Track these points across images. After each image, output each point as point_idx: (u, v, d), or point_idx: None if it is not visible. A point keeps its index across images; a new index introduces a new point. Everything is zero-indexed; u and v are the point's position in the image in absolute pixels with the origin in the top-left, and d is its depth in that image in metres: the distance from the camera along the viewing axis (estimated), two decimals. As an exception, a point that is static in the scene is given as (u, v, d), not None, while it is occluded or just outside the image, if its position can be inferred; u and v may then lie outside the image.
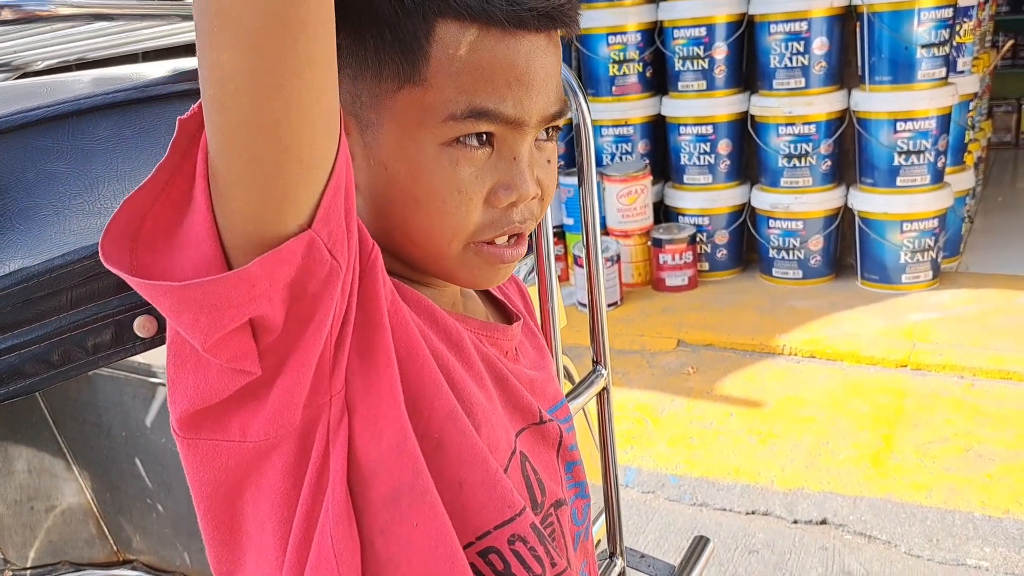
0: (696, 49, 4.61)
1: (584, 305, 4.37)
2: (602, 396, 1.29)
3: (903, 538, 2.64)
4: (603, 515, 1.34)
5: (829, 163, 4.54)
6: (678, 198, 4.90)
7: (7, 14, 0.79)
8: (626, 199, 4.69)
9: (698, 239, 4.77)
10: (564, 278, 4.92)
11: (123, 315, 0.76)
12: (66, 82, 1.02)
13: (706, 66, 4.63)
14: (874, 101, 4.31)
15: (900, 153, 4.28)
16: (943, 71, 4.23)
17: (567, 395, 1.15)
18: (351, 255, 0.58)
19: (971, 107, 4.86)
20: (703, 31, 4.59)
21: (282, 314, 0.56)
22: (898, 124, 4.25)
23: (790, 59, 4.42)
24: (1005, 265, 4.66)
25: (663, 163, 5.05)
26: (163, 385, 1.80)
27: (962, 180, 4.73)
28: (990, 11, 5.60)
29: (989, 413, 3.29)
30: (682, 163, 4.84)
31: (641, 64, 4.83)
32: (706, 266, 4.85)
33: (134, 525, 1.98)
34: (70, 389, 1.92)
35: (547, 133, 0.71)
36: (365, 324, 0.61)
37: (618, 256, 4.57)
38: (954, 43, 4.40)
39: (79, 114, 0.79)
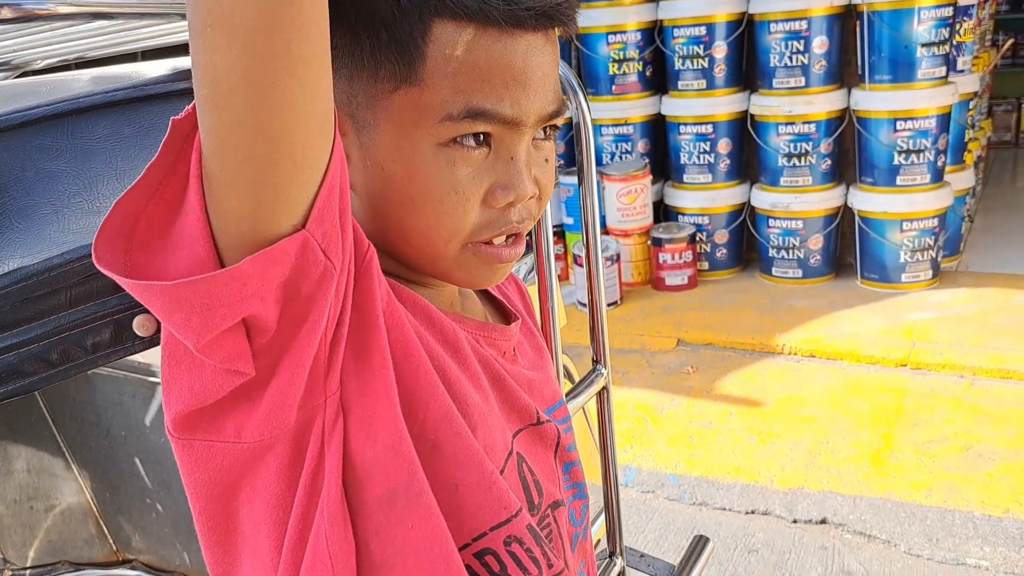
0: (696, 48, 4.61)
1: (584, 304, 4.36)
2: (602, 395, 1.30)
3: (903, 537, 2.64)
4: (603, 514, 1.34)
5: (829, 162, 4.53)
6: (678, 197, 4.90)
7: (7, 13, 0.79)
8: (626, 198, 4.68)
9: (698, 238, 4.77)
10: (564, 277, 4.91)
11: (122, 314, 0.75)
12: (65, 81, 1.02)
13: (706, 65, 4.63)
14: (874, 100, 4.30)
15: (900, 152, 4.28)
16: (943, 70, 4.23)
17: (567, 394, 1.15)
18: (346, 256, 0.58)
19: (971, 106, 4.86)
20: (703, 30, 4.58)
21: (276, 315, 0.56)
22: (898, 123, 4.25)
23: (790, 58, 4.41)
24: (1005, 264, 4.66)
25: (663, 162, 5.05)
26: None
27: (962, 179, 4.72)
28: (990, 10, 5.59)
29: (989, 412, 3.29)
30: (682, 162, 4.84)
31: (641, 63, 4.83)
32: (706, 265, 4.85)
33: (133, 525, 1.98)
34: (69, 388, 1.92)
35: (545, 132, 0.70)
36: (360, 325, 0.61)
37: (618, 255, 4.57)
38: (954, 42, 4.39)
39: (78, 113, 0.79)
